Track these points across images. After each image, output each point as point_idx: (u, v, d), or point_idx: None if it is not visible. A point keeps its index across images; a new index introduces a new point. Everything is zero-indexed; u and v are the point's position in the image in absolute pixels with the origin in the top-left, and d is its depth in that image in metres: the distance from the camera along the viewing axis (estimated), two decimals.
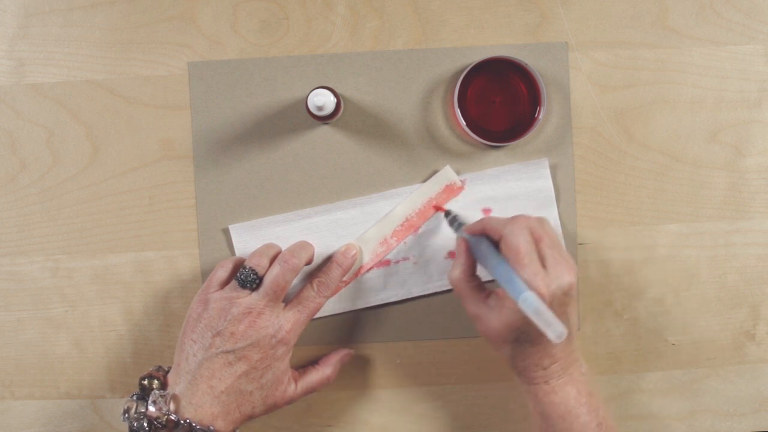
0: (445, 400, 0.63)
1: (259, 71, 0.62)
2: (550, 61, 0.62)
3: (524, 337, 0.51)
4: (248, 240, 0.62)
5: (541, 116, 0.60)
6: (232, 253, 0.62)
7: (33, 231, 0.63)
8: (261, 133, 0.62)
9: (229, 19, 0.62)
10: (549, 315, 0.47)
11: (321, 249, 0.62)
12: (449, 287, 0.62)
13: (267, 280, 0.55)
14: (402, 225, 0.62)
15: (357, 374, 0.63)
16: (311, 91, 0.56)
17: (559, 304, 0.50)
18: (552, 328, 0.47)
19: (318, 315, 0.62)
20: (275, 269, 0.56)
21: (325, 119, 0.58)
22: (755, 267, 0.63)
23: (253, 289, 0.55)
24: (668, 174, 0.63)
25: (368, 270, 0.62)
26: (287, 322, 0.55)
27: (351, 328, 0.63)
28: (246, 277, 0.55)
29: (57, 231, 0.63)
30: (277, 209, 0.62)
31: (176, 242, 0.62)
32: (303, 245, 0.59)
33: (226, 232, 0.62)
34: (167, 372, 0.55)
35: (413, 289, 0.62)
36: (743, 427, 0.63)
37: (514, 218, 0.53)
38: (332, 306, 0.62)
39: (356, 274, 0.62)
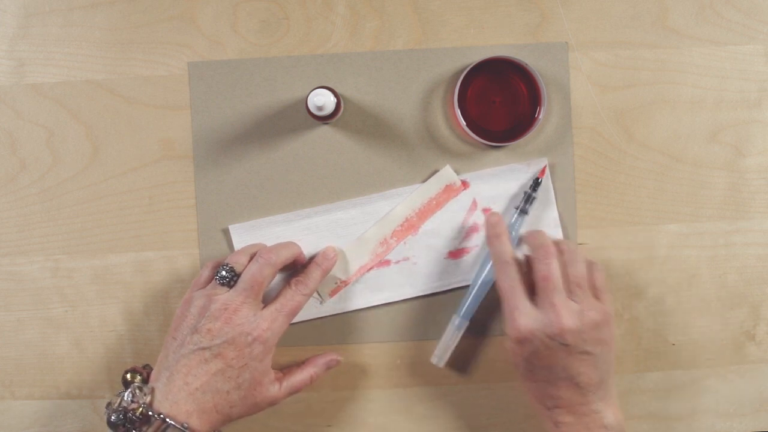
0: (445, 400, 0.63)
1: (259, 71, 0.62)
2: (550, 61, 0.62)
3: (536, 355, 0.54)
4: (248, 240, 0.62)
5: (541, 116, 0.60)
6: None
7: (33, 231, 0.63)
8: (261, 133, 0.62)
9: (229, 19, 0.62)
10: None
11: (321, 249, 0.62)
12: (449, 287, 0.62)
13: (244, 276, 0.55)
14: (402, 225, 0.62)
15: (357, 374, 0.63)
16: (311, 91, 0.56)
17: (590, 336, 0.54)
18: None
19: (318, 315, 0.62)
20: (252, 265, 0.56)
21: (325, 119, 0.58)
22: (755, 267, 0.63)
23: (231, 286, 0.56)
24: (668, 174, 0.63)
25: (368, 270, 0.62)
26: (264, 320, 0.55)
27: (351, 328, 0.63)
28: (226, 276, 0.55)
29: (57, 231, 0.63)
30: (277, 209, 0.62)
31: (176, 242, 0.62)
32: (285, 244, 0.59)
33: (226, 232, 0.62)
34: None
35: (413, 289, 0.62)
36: (743, 427, 0.63)
37: (544, 246, 0.57)
38: (332, 306, 0.62)
39: (356, 274, 0.62)
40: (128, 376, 0.55)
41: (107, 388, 0.63)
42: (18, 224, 0.63)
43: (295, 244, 0.60)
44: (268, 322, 0.55)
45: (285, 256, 0.57)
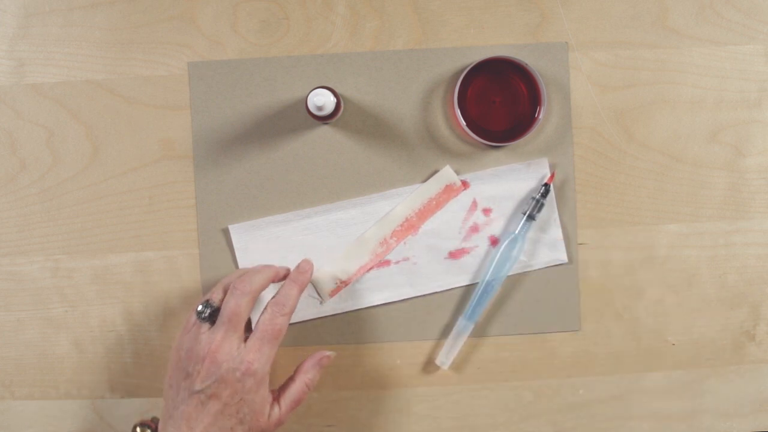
0: (445, 400, 0.63)
1: (259, 71, 0.62)
2: (550, 61, 0.62)
3: None
4: (248, 240, 0.62)
5: (541, 116, 0.60)
6: (232, 253, 0.62)
7: (33, 231, 0.63)
8: (261, 133, 0.62)
9: (229, 19, 0.62)
10: None
11: (321, 249, 0.62)
12: (449, 287, 0.62)
13: (222, 311, 0.54)
14: (402, 225, 0.62)
15: (357, 374, 0.63)
16: (311, 91, 0.56)
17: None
18: None
19: (318, 315, 0.62)
20: (229, 299, 0.55)
21: (325, 119, 0.58)
22: (755, 267, 0.63)
23: (212, 321, 0.55)
24: (668, 174, 0.63)
25: (368, 270, 0.62)
26: (248, 352, 0.53)
27: (351, 328, 0.63)
28: (202, 311, 0.55)
29: (57, 231, 0.63)
30: (277, 209, 0.62)
31: (176, 242, 0.62)
32: (257, 269, 0.58)
33: (226, 232, 0.62)
34: None
35: (413, 289, 0.62)
36: (743, 427, 0.63)
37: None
38: (332, 306, 0.62)
39: (356, 274, 0.62)
40: (138, 429, 0.55)
41: (107, 388, 0.63)
42: (18, 224, 0.63)
43: (268, 266, 0.59)
44: (252, 353, 0.54)
45: (259, 282, 0.56)
